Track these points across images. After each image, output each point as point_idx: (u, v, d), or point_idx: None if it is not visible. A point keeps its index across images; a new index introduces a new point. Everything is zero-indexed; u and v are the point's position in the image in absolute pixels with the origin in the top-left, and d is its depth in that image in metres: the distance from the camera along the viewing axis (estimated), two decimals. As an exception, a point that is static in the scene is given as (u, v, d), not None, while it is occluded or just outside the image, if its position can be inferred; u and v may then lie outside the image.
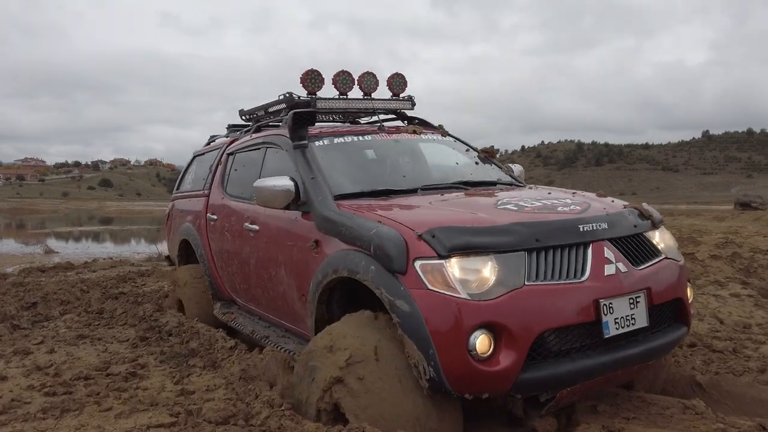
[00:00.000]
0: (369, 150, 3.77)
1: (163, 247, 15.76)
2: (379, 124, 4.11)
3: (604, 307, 2.44)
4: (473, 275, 2.31)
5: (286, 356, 3.47)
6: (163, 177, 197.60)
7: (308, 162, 3.38)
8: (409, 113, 4.45)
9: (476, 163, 4.02)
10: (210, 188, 4.72)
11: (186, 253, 5.23)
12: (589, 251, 2.52)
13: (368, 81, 4.11)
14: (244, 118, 4.88)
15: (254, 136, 4.35)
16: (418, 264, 2.35)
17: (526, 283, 2.34)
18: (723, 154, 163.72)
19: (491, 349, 2.25)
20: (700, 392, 3.02)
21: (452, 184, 3.52)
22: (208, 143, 5.46)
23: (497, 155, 4.26)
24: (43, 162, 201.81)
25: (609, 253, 2.56)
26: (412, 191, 3.30)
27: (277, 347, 3.47)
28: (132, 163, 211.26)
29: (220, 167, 4.69)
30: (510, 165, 4.23)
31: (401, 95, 4.30)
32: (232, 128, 5.28)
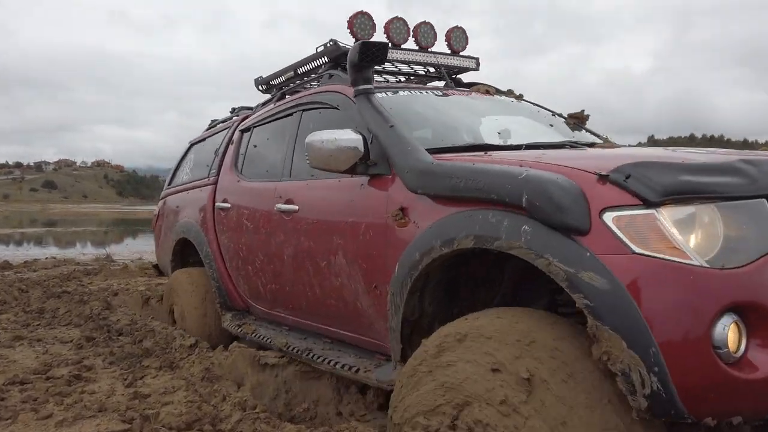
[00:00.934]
0: (444, 106, 3.09)
1: (119, 248, 14.91)
2: (446, 83, 3.52)
3: None
4: (703, 232, 1.52)
5: (254, 353, 3.12)
6: (112, 179, 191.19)
7: (378, 110, 2.56)
8: (473, 76, 3.74)
9: (570, 129, 3.28)
10: (218, 174, 3.94)
11: (182, 255, 4.44)
12: None
13: (425, 32, 3.39)
14: (261, 88, 4.10)
15: (280, 103, 3.56)
16: (609, 217, 1.54)
17: None
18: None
19: (743, 345, 1.45)
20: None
21: (564, 142, 2.79)
22: (209, 128, 4.78)
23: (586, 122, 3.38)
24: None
25: None
26: (516, 147, 2.55)
27: (329, 363, 2.62)
28: (78, 164, 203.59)
29: (231, 147, 3.92)
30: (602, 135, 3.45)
31: (462, 53, 3.59)
32: (234, 111, 4.63)
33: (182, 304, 4.05)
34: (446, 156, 2.21)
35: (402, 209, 2.17)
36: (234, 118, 4.26)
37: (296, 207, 2.88)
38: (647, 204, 1.51)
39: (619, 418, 1.46)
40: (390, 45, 3.22)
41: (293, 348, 2.92)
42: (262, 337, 3.26)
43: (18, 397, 2.75)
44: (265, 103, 3.88)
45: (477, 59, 3.61)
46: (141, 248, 16.25)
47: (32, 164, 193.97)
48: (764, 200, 1.57)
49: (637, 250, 1.47)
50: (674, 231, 1.48)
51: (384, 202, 2.29)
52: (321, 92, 3.08)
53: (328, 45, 3.26)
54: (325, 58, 3.33)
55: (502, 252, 1.73)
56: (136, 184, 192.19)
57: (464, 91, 3.37)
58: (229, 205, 3.62)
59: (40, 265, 9.15)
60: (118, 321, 4.34)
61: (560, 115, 3.40)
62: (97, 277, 7.32)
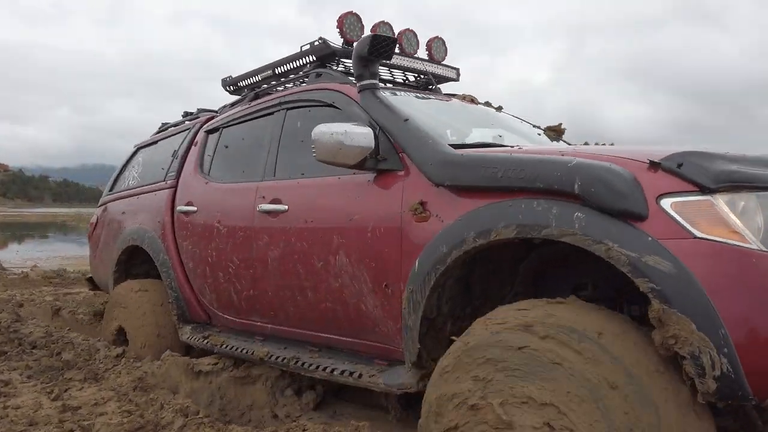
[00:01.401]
0: (440, 109, 3.07)
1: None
2: (434, 87, 3.50)
3: None
4: (757, 217, 1.57)
5: (188, 361, 3.15)
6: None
7: (387, 105, 2.48)
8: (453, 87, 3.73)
9: (550, 140, 3.31)
10: (178, 176, 3.74)
11: (127, 266, 4.15)
12: None
13: (409, 40, 3.34)
14: (229, 89, 3.92)
15: (257, 102, 3.41)
16: (668, 203, 1.59)
17: None
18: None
19: None
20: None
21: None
22: (159, 132, 4.58)
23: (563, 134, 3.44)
24: None
25: None
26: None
27: (325, 370, 2.49)
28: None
29: (194, 149, 3.72)
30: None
31: (441, 62, 3.59)
32: (188, 116, 4.44)
33: (134, 318, 3.75)
34: (465, 151, 2.17)
35: (422, 203, 2.12)
36: (193, 120, 4.13)
37: (285, 206, 2.74)
38: (703, 190, 1.56)
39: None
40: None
41: (277, 357, 2.76)
42: (235, 348, 3.04)
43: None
44: (233, 104, 3.77)
45: (458, 69, 3.63)
46: (34, 255, 15.19)
47: None
48: None
49: (699, 234, 1.52)
50: (732, 216, 1.54)
51: (398, 197, 2.22)
52: (312, 90, 2.96)
53: (316, 43, 3.18)
54: (312, 56, 3.24)
55: (545, 240, 1.74)
56: (22, 185, 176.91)
57: (450, 97, 3.41)
58: (195, 208, 3.43)
59: None
60: (31, 333, 4.15)
61: (538, 127, 3.49)
62: (-5, 288, 6.84)
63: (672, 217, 1.55)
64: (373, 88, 2.58)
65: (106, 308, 4.13)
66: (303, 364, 2.60)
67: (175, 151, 3.91)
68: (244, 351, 2.97)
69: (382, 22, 3.18)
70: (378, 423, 2.51)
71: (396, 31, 3.26)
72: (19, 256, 14.85)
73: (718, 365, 1.43)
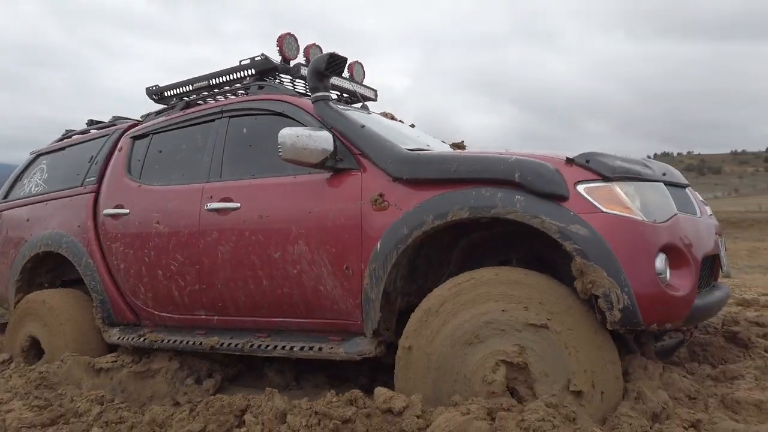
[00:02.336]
0: (373, 121, 3.33)
1: None
2: (362, 105, 3.83)
3: (719, 241, 2.54)
4: (640, 199, 2.18)
5: (88, 359, 3.35)
6: None
7: (342, 114, 2.87)
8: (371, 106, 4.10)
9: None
10: (100, 180, 3.82)
11: (32, 276, 4.07)
12: (688, 192, 2.62)
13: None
14: (155, 98, 4.05)
15: (194, 110, 3.61)
16: (582, 188, 2.16)
17: (677, 212, 2.29)
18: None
19: (669, 274, 2.12)
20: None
21: None
22: (61, 140, 4.51)
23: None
24: None
25: (698, 197, 2.72)
26: None
27: (284, 348, 2.78)
28: None
29: (118, 154, 3.84)
30: None
31: (361, 83, 3.99)
32: (93, 123, 4.46)
33: (57, 325, 3.68)
34: (417, 151, 2.64)
35: (381, 195, 2.52)
36: (110, 127, 4.20)
37: (237, 204, 3.00)
38: (605, 179, 2.17)
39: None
40: (306, 66, 3.57)
41: (229, 344, 2.99)
42: (180, 342, 3.22)
43: None
44: (159, 112, 3.92)
45: (376, 91, 4.05)
46: None
47: None
48: (662, 184, 2.34)
49: (604, 209, 2.10)
50: (623, 196, 2.14)
51: (357, 191, 2.61)
52: (259, 100, 3.24)
53: (258, 58, 3.46)
54: (252, 70, 3.51)
55: (483, 222, 2.30)
56: None
57: (375, 114, 3.77)
58: (126, 211, 3.55)
59: None
60: None
61: (444, 142, 4.00)
62: None
63: (585, 198, 2.14)
64: (328, 99, 2.97)
65: (13, 320, 3.98)
66: (259, 346, 2.88)
67: (93, 157, 3.98)
68: (192, 343, 3.16)
69: (314, 44, 3.61)
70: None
71: (323, 52, 3.65)
72: None
73: (622, 300, 2.01)
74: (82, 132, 4.43)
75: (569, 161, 2.22)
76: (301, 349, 2.72)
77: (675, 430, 1.82)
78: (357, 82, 3.90)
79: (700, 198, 2.79)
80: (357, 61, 3.93)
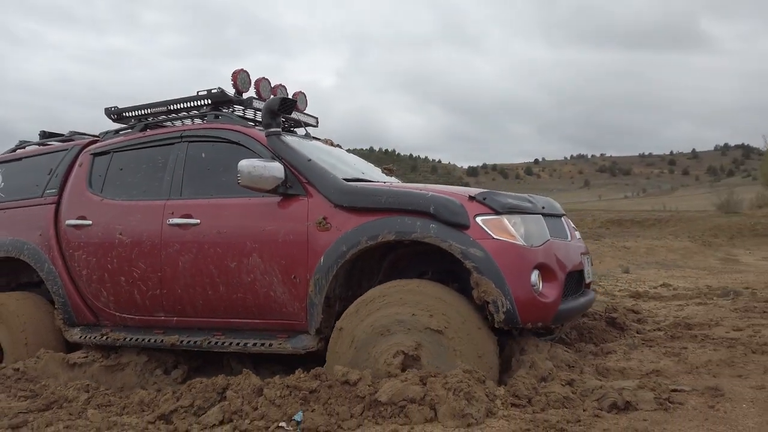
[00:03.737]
0: (316, 149, 3.83)
1: None
2: (305, 133, 4.31)
3: (584, 259, 3.33)
4: (522, 228, 2.86)
5: (63, 355, 3.69)
6: None
7: (292, 147, 3.36)
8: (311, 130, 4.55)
9: (387, 174, 4.40)
10: (61, 192, 4.11)
11: None
12: (563, 221, 3.41)
13: (282, 93, 4.25)
14: (113, 117, 4.35)
15: (150, 133, 3.99)
16: (480, 219, 2.79)
17: (550, 237, 2.99)
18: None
19: (542, 285, 2.82)
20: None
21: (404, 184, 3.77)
22: (14, 150, 4.68)
23: None
24: None
25: (571, 224, 3.53)
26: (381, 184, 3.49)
27: (238, 344, 3.29)
28: None
29: (79, 169, 4.13)
30: None
31: (303, 111, 4.46)
32: (47, 135, 4.66)
33: (14, 328, 3.94)
34: (357, 183, 3.21)
35: (325, 218, 3.07)
36: (68, 141, 4.46)
37: (197, 220, 3.44)
38: (496, 213, 2.84)
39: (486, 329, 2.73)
40: (257, 98, 4.06)
41: (188, 342, 3.45)
42: (141, 340, 3.62)
43: None
44: (118, 131, 4.25)
45: (317, 118, 4.57)
46: None
47: None
48: (541, 216, 3.07)
49: (495, 236, 2.77)
50: (510, 227, 2.82)
51: (304, 214, 3.14)
52: (216, 128, 3.70)
53: (215, 91, 3.91)
54: (208, 100, 3.95)
55: (398, 246, 3.02)
56: None
57: (316, 140, 4.28)
58: (89, 222, 3.88)
59: None
60: None
61: (376, 166, 4.58)
62: None
63: (482, 227, 2.79)
64: (279, 134, 3.45)
65: None
66: (216, 343, 3.37)
67: (52, 170, 4.25)
68: (152, 341, 3.59)
69: (263, 78, 4.07)
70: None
71: (272, 85, 4.17)
72: None
73: (505, 305, 2.68)
74: (39, 144, 4.67)
75: (471, 198, 2.89)
76: (254, 345, 3.24)
77: (554, 386, 2.50)
78: (300, 110, 4.38)
79: (572, 225, 3.58)
80: (300, 92, 4.45)
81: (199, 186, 3.60)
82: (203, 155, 3.68)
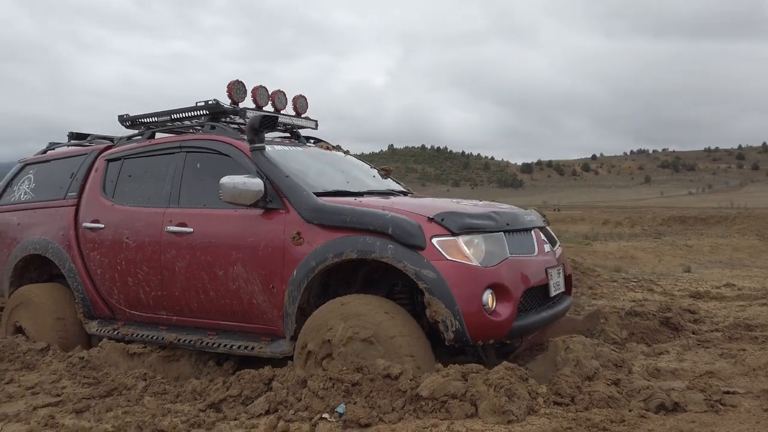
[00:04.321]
0: (307, 158, 4.02)
1: None
2: (299, 138, 4.48)
3: (549, 273, 3.26)
4: (477, 248, 2.90)
5: (124, 345, 3.89)
6: None
7: (273, 163, 3.47)
8: (311, 132, 4.76)
9: (383, 177, 4.43)
10: (80, 196, 4.37)
11: (22, 273, 4.65)
12: (533, 234, 3.35)
13: (280, 99, 4.33)
14: (126, 124, 4.60)
15: (154, 141, 4.22)
16: (435, 240, 2.84)
17: (509, 255, 3.00)
18: (404, 165, 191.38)
19: (494, 305, 2.84)
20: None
21: (385, 190, 4.02)
22: (45, 151, 5.03)
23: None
24: None
25: (542, 236, 3.44)
26: (359, 194, 3.63)
27: (226, 347, 3.48)
28: None
29: (95, 174, 4.38)
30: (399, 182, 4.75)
31: (303, 115, 4.53)
32: (76, 136, 4.99)
33: (40, 316, 4.30)
34: (327, 198, 3.29)
35: (298, 233, 3.18)
36: (89, 146, 4.72)
37: (191, 229, 3.63)
38: (452, 234, 2.88)
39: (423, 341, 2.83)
40: (255, 108, 4.14)
41: (185, 340, 3.67)
42: (146, 336, 3.88)
43: None
44: (130, 138, 4.46)
45: (316, 121, 4.64)
46: None
47: None
48: (502, 233, 3.06)
49: (449, 257, 2.81)
50: (464, 248, 2.86)
51: (281, 227, 3.26)
52: (209, 140, 3.85)
53: (210, 102, 4.06)
54: (205, 111, 4.10)
55: (368, 261, 2.97)
56: None
57: (311, 145, 4.45)
58: (102, 225, 4.13)
59: None
60: (-61, 336, 4.45)
61: (373, 167, 4.61)
62: None
63: (437, 248, 2.84)
64: (262, 150, 3.57)
65: (7, 308, 4.63)
66: (207, 343, 3.58)
67: (74, 173, 4.51)
68: (155, 337, 3.84)
69: (261, 86, 4.16)
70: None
71: (270, 92, 4.25)
72: None
73: (454, 325, 2.75)
74: (67, 146, 4.98)
75: (430, 219, 2.93)
76: (239, 347, 3.42)
77: (599, 385, 2.46)
78: (299, 113, 4.49)
79: (543, 237, 3.49)
80: (301, 95, 4.53)
81: (193, 195, 3.76)
82: (198, 165, 3.85)
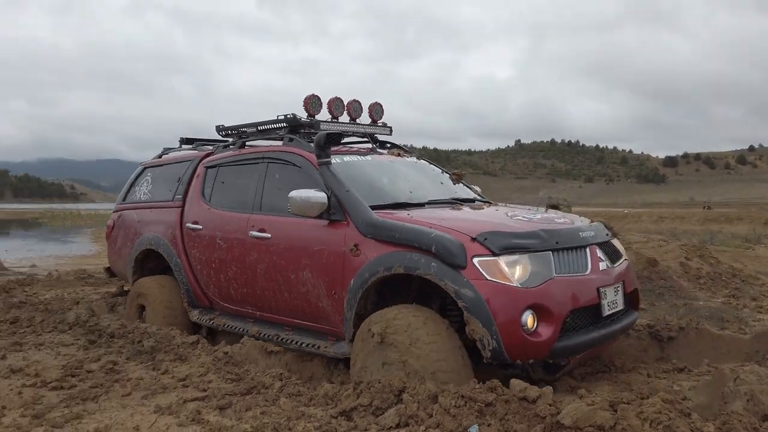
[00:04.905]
0: (374, 169, 4.27)
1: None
2: (372, 146, 4.71)
3: (602, 293, 3.22)
4: (519, 268, 2.95)
5: (262, 344, 4.08)
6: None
7: (337, 178, 3.73)
8: (386, 138, 4.99)
9: (453, 183, 4.61)
10: (184, 199, 4.89)
11: (142, 264, 5.30)
12: (588, 252, 3.30)
13: (356, 108, 4.60)
14: (222, 133, 5.09)
15: (244, 151, 4.64)
16: (476, 260, 2.93)
17: (555, 275, 3.03)
18: (532, 161, 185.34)
19: (535, 325, 2.89)
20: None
21: (449, 199, 4.15)
22: (161, 155, 5.70)
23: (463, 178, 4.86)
24: None
25: (599, 253, 3.38)
26: (421, 205, 3.85)
27: (296, 343, 3.81)
28: None
29: (197, 179, 4.88)
30: (473, 186, 4.94)
31: (379, 122, 4.79)
32: (187, 141, 5.62)
33: (154, 304, 4.93)
34: (383, 212, 3.48)
35: (356, 245, 3.42)
36: (189, 152, 5.33)
37: (269, 235, 3.99)
38: (493, 254, 2.95)
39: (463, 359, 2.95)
40: (331, 118, 4.46)
41: (264, 334, 4.04)
42: (232, 327, 4.37)
43: (85, 384, 3.50)
44: (226, 146, 4.92)
45: (390, 127, 4.87)
46: (25, 254, 15.56)
47: None
48: (550, 252, 3.07)
49: (489, 278, 2.89)
50: (504, 268, 2.93)
51: (343, 238, 3.52)
52: (286, 151, 4.19)
53: (289, 116, 4.40)
54: (285, 124, 4.44)
55: (418, 276, 3.07)
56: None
57: (383, 152, 4.62)
58: (201, 227, 4.62)
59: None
60: (109, 326, 4.97)
61: (446, 171, 4.79)
62: (37, 287, 7.59)
63: (477, 268, 2.93)
64: (328, 164, 3.85)
65: (129, 295, 5.33)
66: (282, 339, 3.91)
67: (180, 178, 5.04)
68: (242, 329, 4.27)
69: (336, 97, 4.45)
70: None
71: (345, 103, 4.52)
72: (11, 255, 15.28)
73: (491, 344, 2.84)
74: (178, 149, 5.60)
75: (473, 239, 3.01)
76: (308, 345, 3.74)
77: (783, 430, 2.07)
78: (375, 120, 4.76)
79: (600, 254, 3.38)
80: (376, 102, 4.77)
81: (272, 203, 4.10)
82: (277, 175, 4.21)
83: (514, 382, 2.54)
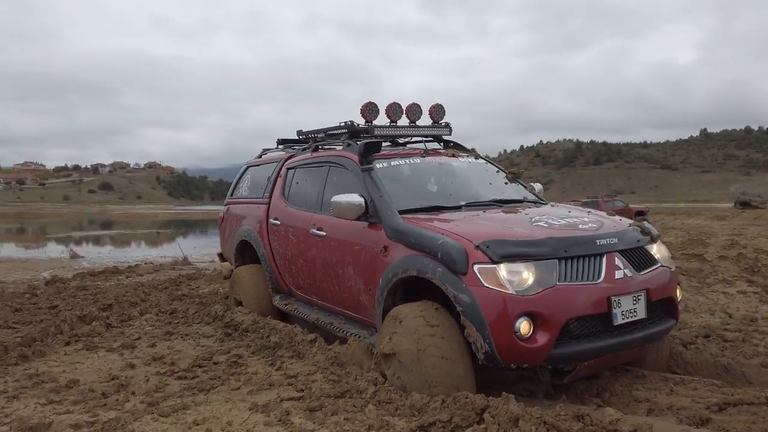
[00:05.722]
0: (420, 171, 4.49)
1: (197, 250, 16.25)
2: (424, 148, 4.89)
3: (614, 302, 3.15)
4: (518, 276, 3.01)
5: (368, 345, 4.10)
6: (163, 180, 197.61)
7: (375, 183, 4.05)
8: (446, 137, 5.17)
9: (506, 183, 4.71)
10: (270, 197, 5.43)
11: (242, 253, 5.96)
12: (604, 259, 3.23)
13: (414, 110, 4.78)
14: (301, 137, 5.63)
15: (315, 154, 5.09)
16: (476, 267, 3.05)
17: (557, 283, 3.04)
18: (722, 152, 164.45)
19: (531, 331, 2.95)
20: (724, 372, 3.66)
21: (489, 201, 4.22)
22: (260, 156, 6.31)
23: (521, 175, 5.02)
24: (43, 166, 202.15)
25: (618, 261, 3.28)
26: (458, 208, 4.00)
27: (343, 332, 4.18)
28: (131, 166, 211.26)
29: (280, 179, 5.42)
30: (532, 184, 4.98)
31: (440, 122, 4.96)
32: (282, 142, 6.14)
33: (245, 290, 5.62)
34: (410, 216, 3.72)
35: (385, 247, 3.70)
36: (279, 153, 5.84)
37: (325, 233, 4.41)
38: (493, 262, 3.04)
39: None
40: (390, 122, 4.70)
41: (321, 321, 4.50)
42: (301, 313, 4.85)
43: (206, 376, 3.82)
44: (305, 149, 5.40)
45: (450, 127, 5.01)
46: (209, 251, 17.49)
47: (89, 167, 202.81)
48: (556, 260, 3.08)
49: (485, 284, 3.00)
50: (503, 276, 3.01)
51: (376, 240, 3.80)
52: (341, 156, 4.59)
53: (347, 123, 4.78)
54: (345, 130, 4.83)
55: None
56: (186, 185, 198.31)
57: (434, 152, 4.79)
58: (279, 222, 5.17)
59: (143, 270, 10.47)
60: (243, 321, 5.37)
61: (502, 170, 4.89)
62: (200, 282, 8.50)
63: (476, 275, 3.05)
64: (370, 170, 4.17)
65: (230, 282, 6.08)
66: (335, 328, 4.32)
67: (269, 177, 5.59)
68: (306, 316, 4.78)
69: (394, 103, 4.66)
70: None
71: (404, 107, 4.72)
72: (198, 251, 17.30)
73: (484, 347, 2.98)
74: (273, 150, 6.15)
75: (476, 246, 3.10)
76: (352, 334, 4.05)
77: None
78: (436, 121, 4.92)
79: (620, 262, 3.27)
80: (438, 104, 4.91)
81: (329, 204, 4.27)
82: (335, 178, 4.58)
83: (606, 411, 2.21)
